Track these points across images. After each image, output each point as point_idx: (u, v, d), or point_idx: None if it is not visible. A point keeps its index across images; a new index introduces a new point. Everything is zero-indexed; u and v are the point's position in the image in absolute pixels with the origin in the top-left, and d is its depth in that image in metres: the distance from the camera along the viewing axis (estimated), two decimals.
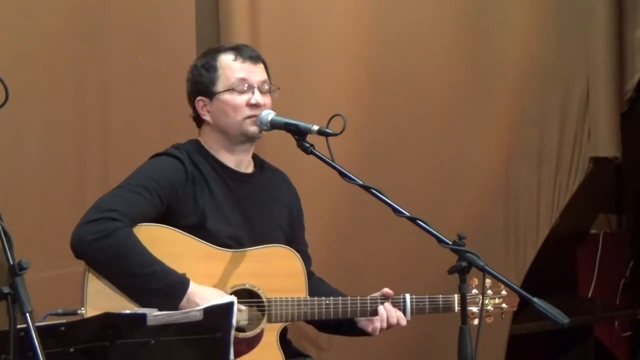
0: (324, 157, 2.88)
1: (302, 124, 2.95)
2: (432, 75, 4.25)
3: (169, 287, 2.91)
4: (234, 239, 3.06)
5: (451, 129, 4.31)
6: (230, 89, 3.09)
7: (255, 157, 3.25)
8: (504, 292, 3.25)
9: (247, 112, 3.08)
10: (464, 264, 2.64)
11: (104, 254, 2.88)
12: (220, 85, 3.11)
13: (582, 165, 4.57)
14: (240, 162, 3.17)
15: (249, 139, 3.12)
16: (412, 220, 2.74)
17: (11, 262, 2.22)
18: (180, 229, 3.01)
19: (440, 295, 3.18)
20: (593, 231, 5.20)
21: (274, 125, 3.05)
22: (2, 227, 2.26)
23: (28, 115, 3.53)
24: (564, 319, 2.55)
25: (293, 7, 3.98)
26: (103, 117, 3.68)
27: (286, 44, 3.95)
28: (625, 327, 5.17)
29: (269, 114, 3.07)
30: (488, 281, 3.15)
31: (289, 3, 3.97)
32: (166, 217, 3.02)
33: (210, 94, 3.11)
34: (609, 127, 4.56)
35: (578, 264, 5.16)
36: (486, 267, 2.66)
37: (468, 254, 2.64)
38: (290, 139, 2.98)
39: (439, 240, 2.69)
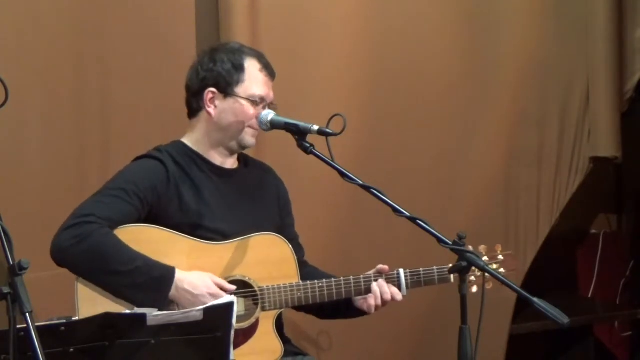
0: (324, 157, 2.88)
1: (302, 124, 2.95)
2: (431, 75, 4.25)
3: (155, 280, 2.91)
4: (223, 235, 3.07)
5: (451, 129, 4.31)
6: (249, 99, 3.11)
7: (238, 154, 3.25)
8: (500, 257, 3.24)
9: (253, 123, 3.11)
10: (464, 264, 2.65)
11: (84, 258, 2.89)
12: (241, 90, 3.12)
13: (582, 165, 4.57)
14: (224, 161, 3.19)
15: (241, 147, 3.16)
16: (412, 220, 2.74)
17: (11, 262, 2.22)
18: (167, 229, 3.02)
19: (435, 267, 3.17)
20: (593, 231, 5.20)
21: (274, 125, 3.05)
22: (2, 227, 2.26)
23: (28, 115, 3.53)
24: (564, 319, 2.55)
25: (293, 6, 3.98)
26: (103, 117, 3.69)
27: (286, 44, 3.95)
28: (625, 327, 5.17)
29: (268, 114, 3.07)
30: (484, 246, 3.14)
31: (289, 3, 3.97)
32: (152, 218, 3.02)
33: (227, 92, 3.12)
34: (609, 127, 4.55)
35: (578, 264, 5.16)
36: (486, 267, 2.67)
37: (468, 254, 2.64)
38: (290, 139, 2.98)
39: (439, 240, 2.69)
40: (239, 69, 3.13)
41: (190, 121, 3.20)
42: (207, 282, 2.96)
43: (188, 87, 3.18)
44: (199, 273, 2.98)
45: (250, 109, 3.11)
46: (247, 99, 3.11)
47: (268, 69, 3.16)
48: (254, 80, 3.13)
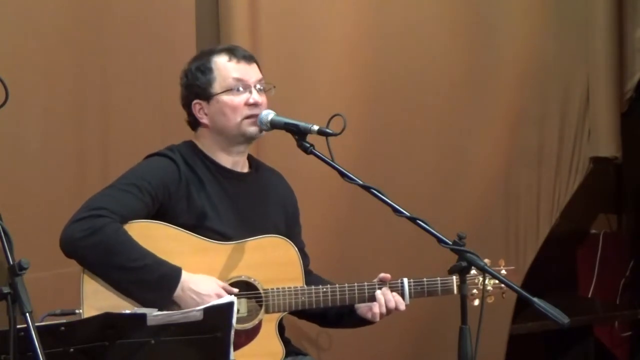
0: (324, 157, 2.88)
1: (302, 123, 2.95)
2: (432, 75, 4.25)
3: (162, 278, 2.92)
4: (229, 238, 3.07)
5: (451, 129, 4.31)
6: (228, 90, 3.09)
7: (250, 158, 3.25)
8: (503, 272, 3.24)
9: (246, 111, 3.09)
10: (464, 264, 2.65)
11: (94, 251, 2.89)
12: (217, 87, 3.11)
13: (582, 165, 4.57)
14: (236, 162, 3.18)
15: (248, 139, 3.13)
16: (412, 220, 2.74)
17: (11, 262, 2.22)
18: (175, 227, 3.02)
19: (439, 278, 3.17)
20: (593, 231, 5.20)
21: (274, 125, 3.05)
22: (2, 227, 2.26)
23: (28, 115, 3.53)
24: (564, 319, 2.55)
25: (293, 6, 3.98)
26: (103, 117, 3.69)
27: (286, 44, 3.95)
28: (625, 327, 5.17)
29: (269, 114, 3.07)
30: (488, 260, 3.14)
31: (289, 3, 3.97)
32: (160, 216, 3.02)
33: (207, 96, 3.11)
34: (609, 127, 4.55)
35: (578, 264, 5.16)
36: (486, 267, 2.67)
37: (468, 254, 2.64)
38: (290, 139, 2.98)
39: (439, 240, 2.69)
40: (207, 71, 3.11)
41: (195, 134, 3.20)
42: (212, 284, 2.96)
43: (183, 107, 3.20)
44: (205, 276, 2.98)
45: (234, 99, 3.09)
46: (224, 91, 3.09)
47: (238, 55, 3.13)
48: (224, 71, 3.11)
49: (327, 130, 2.87)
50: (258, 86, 3.12)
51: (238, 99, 3.09)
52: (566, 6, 4.52)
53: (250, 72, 3.13)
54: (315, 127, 2.91)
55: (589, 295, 5.10)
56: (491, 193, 4.42)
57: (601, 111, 4.54)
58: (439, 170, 4.30)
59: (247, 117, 3.09)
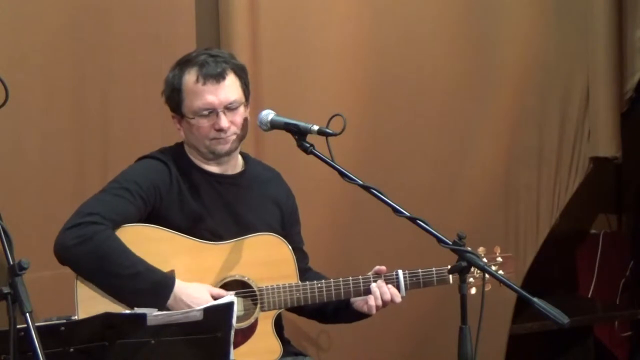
0: (324, 157, 2.88)
1: (302, 124, 2.95)
2: (432, 75, 4.25)
3: (155, 287, 2.92)
4: (223, 239, 3.07)
5: (451, 129, 4.31)
6: (195, 115, 3.06)
7: (245, 156, 3.24)
8: (499, 259, 3.24)
9: (213, 134, 3.06)
10: (464, 264, 2.65)
11: (87, 258, 2.89)
12: (185, 109, 3.08)
13: (582, 165, 4.57)
14: (224, 169, 3.16)
15: (218, 156, 3.11)
16: (412, 220, 2.74)
17: (11, 262, 2.22)
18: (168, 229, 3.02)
19: (434, 268, 3.17)
20: (593, 231, 5.19)
21: (274, 125, 3.04)
22: (2, 227, 2.26)
23: (28, 115, 3.54)
24: (564, 319, 2.55)
25: (293, 7, 3.98)
26: (103, 117, 3.69)
27: (286, 44, 3.95)
28: (625, 327, 5.17)
29: (269, 114, 3.06)
30: (483, 248, 3.13)
31: (289, 3, 3.97)
32: (152, 218, 3.02)
33: (180, 114, 3.11)
34: (609, 127, 4.55)
35: (578, 264, 5.16)
36: (486, 267, 2.67)
37: (468, 254, 2.64)
38: (290, 139, 2.98)
39: (439, 240, 2.69)
40: (176, 90, 3.08)
41: None
42: (204, 295, 2.96)
43: None
44: (197, 285, 2.98)
45: (202, 123, 3.05)
46: (192, 116, 3.06)
47: (206, 74, 3.04)
48: (191, 95, 3.06)
49: (327, 130, 2.87)
50: (231, 106, 3.07)
51: (204, 124, 3.06)
52: (566, 6, 4.52)
53: (218, 95, 3.05)
54: (315, 127, 2.91)
55: (589, 295, 5.09)
56: (491, 193, 4.42)
57: (601, 111, 4.54)
58: (439, 170, 4.30)
59: (214, 139, 3.07)
